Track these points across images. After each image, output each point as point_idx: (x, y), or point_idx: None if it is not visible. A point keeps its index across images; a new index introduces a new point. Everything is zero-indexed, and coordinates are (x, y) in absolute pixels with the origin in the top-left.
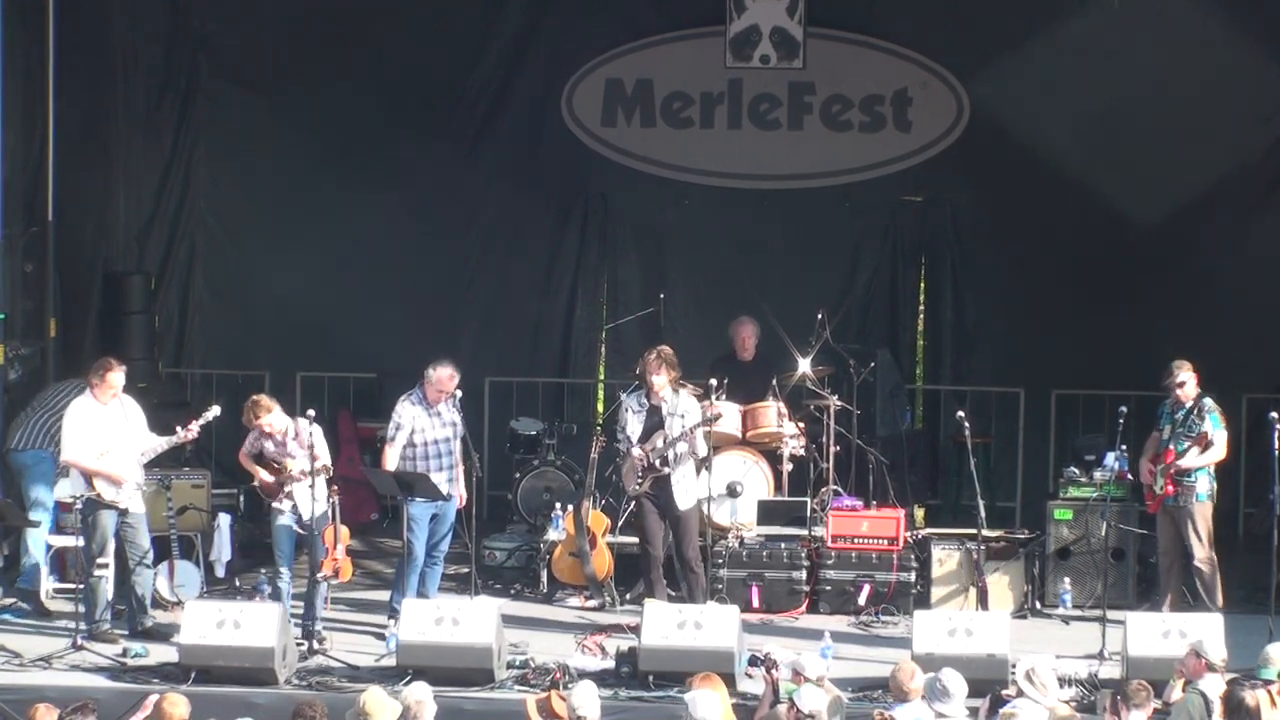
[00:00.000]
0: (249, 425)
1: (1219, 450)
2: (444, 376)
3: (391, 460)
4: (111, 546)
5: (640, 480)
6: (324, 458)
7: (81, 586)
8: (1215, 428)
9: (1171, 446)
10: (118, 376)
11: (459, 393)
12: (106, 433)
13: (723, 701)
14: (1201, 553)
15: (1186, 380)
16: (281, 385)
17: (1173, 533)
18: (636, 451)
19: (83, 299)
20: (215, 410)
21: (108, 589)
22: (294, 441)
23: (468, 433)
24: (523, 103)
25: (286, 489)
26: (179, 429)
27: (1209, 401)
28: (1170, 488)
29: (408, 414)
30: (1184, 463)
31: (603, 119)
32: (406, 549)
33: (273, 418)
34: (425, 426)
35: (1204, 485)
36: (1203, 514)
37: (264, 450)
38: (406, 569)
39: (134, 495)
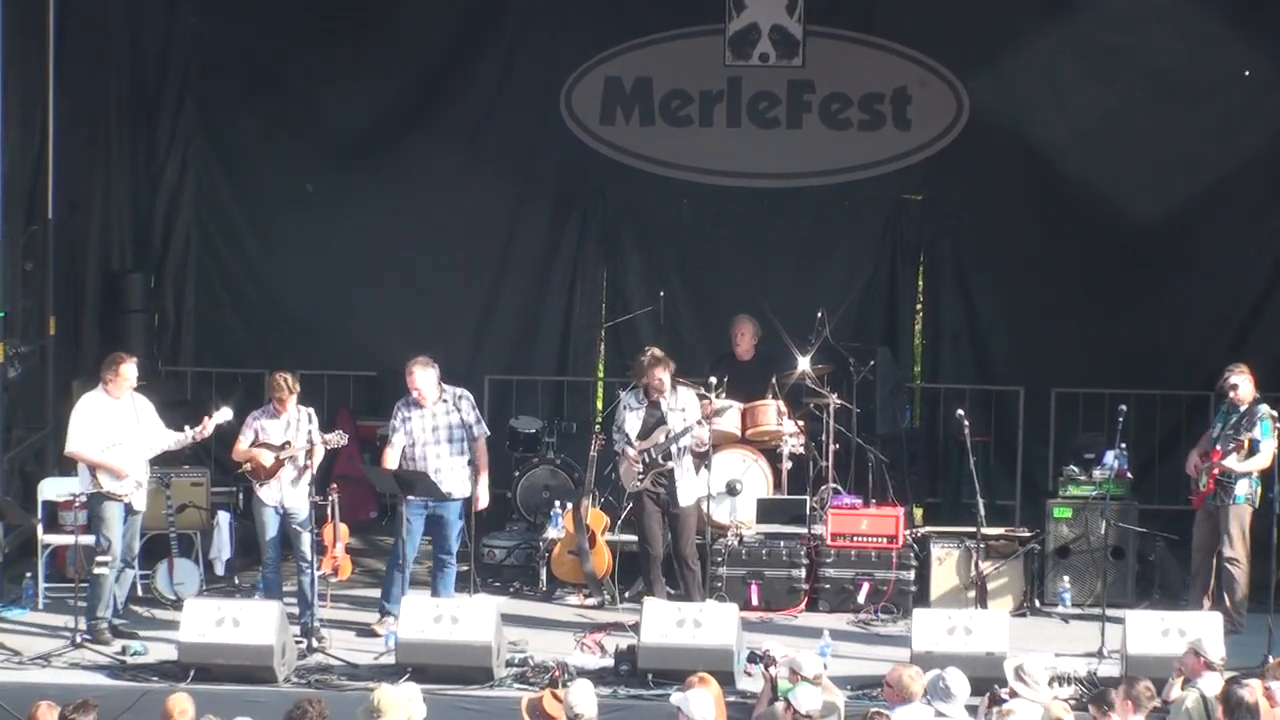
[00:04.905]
0: (274, 397)
1: (1263, 458)
2: (408, 376)
3: (390, 462)
4: (118, 543)
5: (641, 477)
6: (318, 441)
7: (85, 584)
8: (1265, 436)
9: (1219, 447)
10: (130, 369)
11: (463, 392)
12: (114, 427)
13: (716, 702)
14: (1229, 551)
15: (1239, 383)
16: None
17: (1206, 530)
18: (632, 451)
19: (82, 297)
20: (227, 414)
21: (113, 585)
22: (297, 424)
23: (481, 431)
24: (521, 101)
25: (278, 474)
26: (187, 429)
27: (1264, 408)
28: (1211, 486)
29: (399, 416)
30: (1226, 463)
31: (601, 117)
32: (395, 549)
33: (294, 398)
34: (416, 428)
35: (1243, 488)
36: (1238, 515)
37: (260, 434)
38: (392, 569)
39: (138, 492)
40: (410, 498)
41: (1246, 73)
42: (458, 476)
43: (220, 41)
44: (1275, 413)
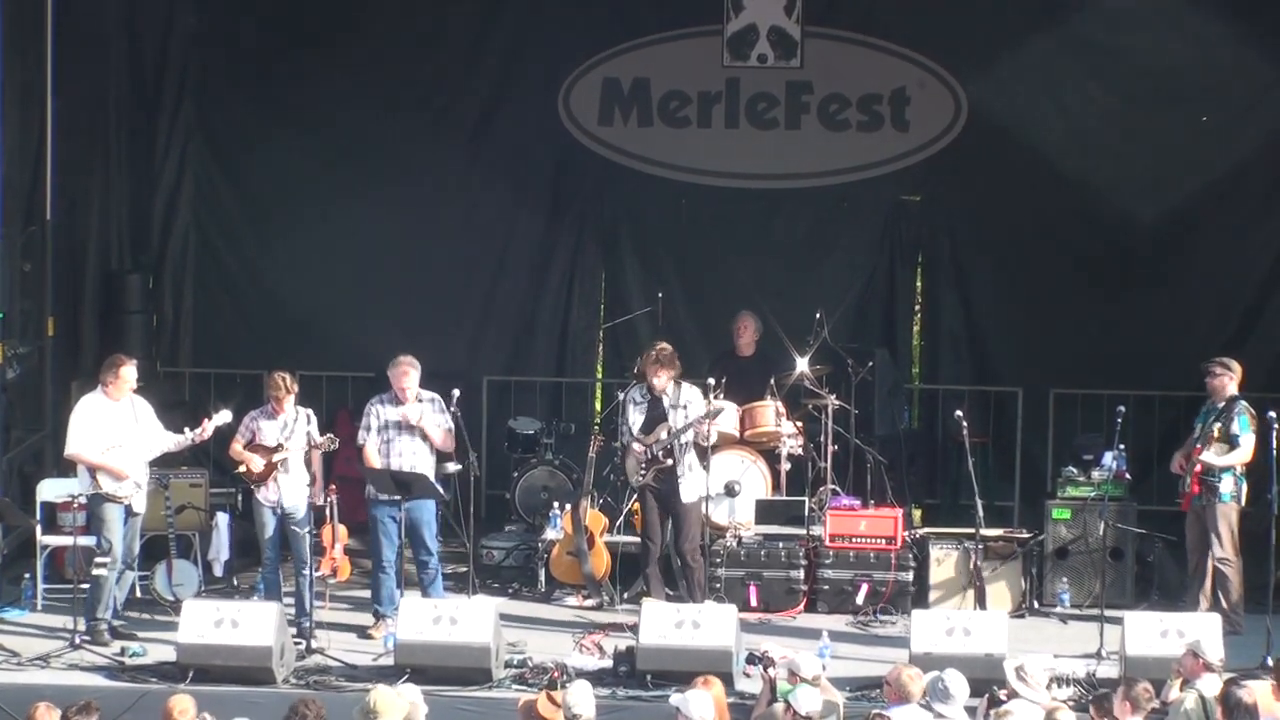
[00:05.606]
0: (272, 395)
1: (1242, 453)
2: (392, 374)
3: (372, 460)
4: (119, 544)
5: (643, 472)
6: (317, 438)
7: (86, 585)
8: (1242, 431)
9: (1199, 445)
10: (130, 371)
11: (456, 392)
12: (114, 429)
13: (717, 703)
14: (1219, 551)
15: (1220, 375)
16: None
17: (1198, 530)
18: (637, 446)
19: (81, 298)
20: (227, 416)
21: (113, 586)
22: (294, 426)
23: (462, 434)
24: (520, 102)
25: (274, 474)
26: (187, 430)
27: (1242, 404)
28: (1196, 487)
29: (373, 412)
30: (1205, 458)
31: (600, 118)
32: (372, 553)
33: (291, 397)
34: (392, 424)
35: (1228, 486)
36: (1224, 514)
37: (256, 435)
38: (376, 573)
39: (138, 494)
40: (380, 497)
41: (1204, 118)
42: (428, 475)
43: (220, 41)
44: (1251, 410)
